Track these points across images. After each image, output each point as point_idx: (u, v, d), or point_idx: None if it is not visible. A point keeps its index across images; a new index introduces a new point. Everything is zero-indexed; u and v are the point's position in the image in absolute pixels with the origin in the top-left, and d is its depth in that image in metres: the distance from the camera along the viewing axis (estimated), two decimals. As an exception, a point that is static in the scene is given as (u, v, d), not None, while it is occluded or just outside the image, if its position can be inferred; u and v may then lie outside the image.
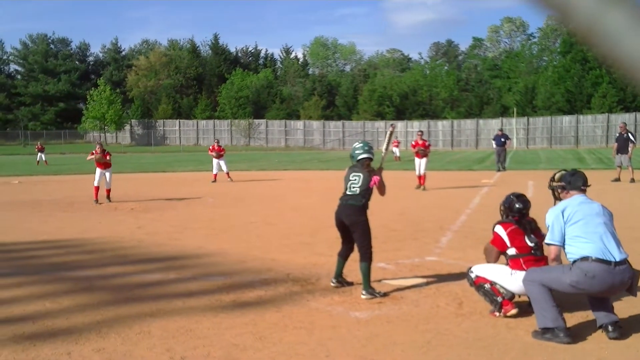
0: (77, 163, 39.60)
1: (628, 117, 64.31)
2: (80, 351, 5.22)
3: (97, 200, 17.37)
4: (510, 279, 6.08)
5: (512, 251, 6.17)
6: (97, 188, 17.64)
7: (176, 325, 5.92)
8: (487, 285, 6.12)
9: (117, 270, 8.49)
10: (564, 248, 5.64)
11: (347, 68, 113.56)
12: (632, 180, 21.47)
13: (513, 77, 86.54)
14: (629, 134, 22.33)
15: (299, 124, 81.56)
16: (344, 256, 7.35)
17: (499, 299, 6.05)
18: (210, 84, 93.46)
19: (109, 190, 17.77)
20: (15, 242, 11.08)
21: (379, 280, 7.59)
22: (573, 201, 5.75)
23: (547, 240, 5.72)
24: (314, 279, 7.81)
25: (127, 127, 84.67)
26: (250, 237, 11.29)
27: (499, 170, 28.36)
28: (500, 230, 6.27)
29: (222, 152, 24.98)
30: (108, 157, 17.95)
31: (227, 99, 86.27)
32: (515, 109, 69.61)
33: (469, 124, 73.23)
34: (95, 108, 78.61)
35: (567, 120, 68.32)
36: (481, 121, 72.50)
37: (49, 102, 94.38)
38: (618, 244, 5.53)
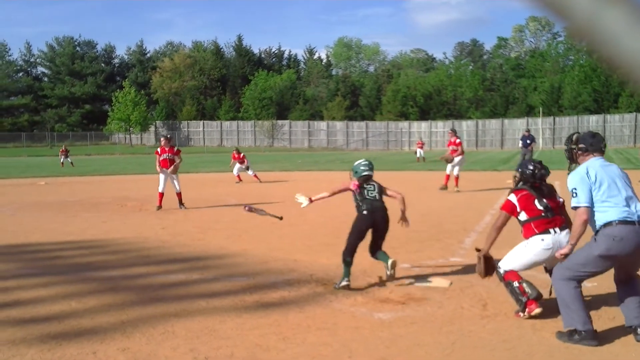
0: (102, 164, 40.03)
1: (656, 117, 63.52)
2: (105, 350, 5.26)
3: (159, 207, 15.73)
4: (526, 251, 6.06)
5: (523, 216, 6.15)
6: (162, 195, 15.88)
7: (200, 325, 5.94)
8: (515, 284, 6.05)
9: (142, 270, 8.54)
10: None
11: (371, 68, 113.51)
12: None
13: (539, 77, 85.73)
14: None
15: (323, 124, 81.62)
16: (352, 258, 7.68)
17: (524, 298, 5.98)
18: (234, 85, 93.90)
19: (179, 195, 16.07)
20: (41, 242, 11.21)
21: (402, 279, 7.54)
22: (594, 163, 5.55)
23: (574, 204, 5.44)
24: (337, 280, 7.78)
25: (152, 129, 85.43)
26: (273, 238, 11.30)
27: None
28: (512, 197, 6.27)
29: (243, 160, 25.14)
30: (176, 154, 15.97)
31: (250, 99, 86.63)
32: (541, 109, 68.95)
33: (493, 123, 72.76)
34: (121, 110, 79.42)
35: (594, 119, 67.54)
36: (506, 121, 72.03)
37: (75, 104, 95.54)
38: (637, 203, 5.45)
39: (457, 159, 19.92)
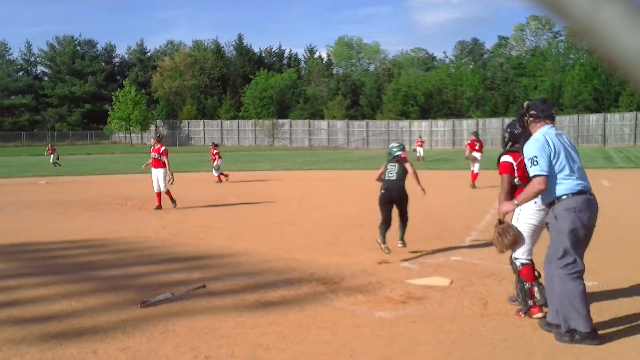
0: (103, 164, 40.04)
1: (657, 115, 63.48)
2: (105, 350, 5.26)
3: (159, 206, 15.67)
4: (523, 221, 6.07)
5: (516, 181, 6.21)
6: (159, 194, 15.81)
7: (200, 324, 5.94)
8: (527, 284, 6.03)
9: (142, 269, 8.55)
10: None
11: (371, 67, 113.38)
12: None
13: (539, 76, 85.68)
14: None
15: (323, 123, 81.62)
16: (388, 226, 9.28)
17: (531, 302, 5.99)
18: (234, 84, 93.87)
19: (167, 193, 15.85)
20: (41, 241, 11.22)
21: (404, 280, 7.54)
22: (550, 132, 5.58)
23: (534, 172, 5.40)
24: (337, 279, 7.79)
25: (152, 128, 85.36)
26: (274, 237, 11.31)
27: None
28: (509, 158, 6.30)
29: (215, 158, 25.08)
30: (162, 154, 15.81)
31: (251, 99, 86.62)
32: (541, 108, 68.76)
33: (494, 122, 72.72)
34: (121, 109, 79.42)
35: (594, 118, 67.52)
36: (507, 120, 71.90)
37: (75, 104, 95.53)
38: (584, 172, 5.58)
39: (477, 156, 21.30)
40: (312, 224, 12.99)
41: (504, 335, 5.55)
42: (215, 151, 25.21)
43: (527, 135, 6.21)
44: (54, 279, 7.97)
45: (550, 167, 5.40)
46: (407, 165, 9.41)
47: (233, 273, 8.27)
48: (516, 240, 6.06)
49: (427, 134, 71.16)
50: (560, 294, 5.39)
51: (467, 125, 73.75)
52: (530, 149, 5.48)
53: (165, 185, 15.76)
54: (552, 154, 5.41)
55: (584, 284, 5.39)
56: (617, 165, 33.00)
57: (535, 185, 5.42)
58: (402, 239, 9.42)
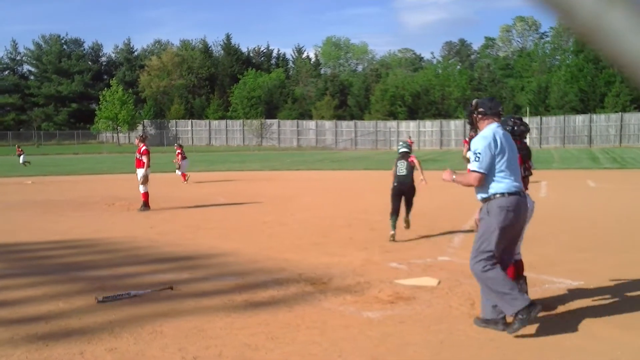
0: (90, 163, 39.82)
1: (642, 116, 63.97)
2: (92, 351, 5.23)
3: (147, 206, 15.56)
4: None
5: None
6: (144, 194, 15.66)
7: (189, 325, 5.93)
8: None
9: (130, 270, 8.51)
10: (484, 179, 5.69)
11: (359, 68, 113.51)
12: None
13: (526, 76, 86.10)
14: None
15: (311, 124, 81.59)
16: (397, 216, 10.88)
17: None
18: (222, 84, 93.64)
19: (143, 195, 15.67)
20: (28, 242, 11.15)
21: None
22: (499, 131, 5.76)
23: (474, 168, 5.64)
24: (326, 279, 7.80)
25: (140, 128, 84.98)
26: (263, 237, 11.30)
27: None
28: None
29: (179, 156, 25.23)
30: (143, 154, 15.67)
31: (239, 99, 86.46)
32: (528, 108, 69.21)
33: (481, 123, 72.87)
34: (108, 108, 79.02)
35: (580, 119, 67.93)
36: (494, 120, 72.20)
37: (62, 103, 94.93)
38: (520, 175, 5.86)
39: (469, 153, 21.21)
40: (300, 224, 12.99)
41: (491, 335, 5.58)
42: (178, 151, 25.38)
43: (522, 132, 6.27)
44: (40, 279, 7.92)
45: (491, 166, 5.61)
46: (412, 159, 11.16)
47: (222, 273, 8.26)
48: None
49: (414, 134, 71.27)
50: (488, 288, 5.60)
51: (454, 125, 73.96)
52: (478, 144, 5.69)
53: (141, 185, 15.56)
54: (497, 153, 5.61)
55: (502, 271, 5.61)
56: (602, 166, 33.21)
57: (471, 179, 5.71)
58: (407, 220, 11.36)
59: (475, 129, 6.06)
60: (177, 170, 25.54)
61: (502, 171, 5.62)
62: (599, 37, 0.82)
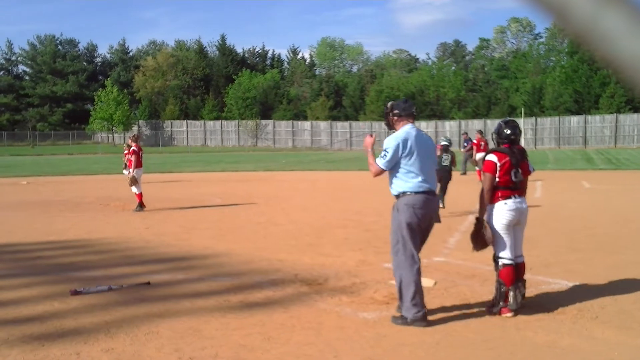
0: (85, 164, 39.72)
1: (637, 118, 64.16)
2: (88, 351, 5.22)
3: (141, 206, 15.46)
4: (498, 222, 6.28)
5: (495, 181, 6.34)
6: (139, 194, 15.60)
7: (184, 325, 5.92)
8: (503, 288, 6.14)
9: (125, 270, 8.50)
10: (390, 176, 6.10)
11: (354, 69, 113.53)
12: None
13: (521, 77, 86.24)
14: None
15: (306, 124, 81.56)
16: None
17: (502, 304, 6.16)
18: (217, 84, 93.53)
19: (138, 195, 15.61)
20: (23, 242, 11.12)
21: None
22: (412, 132, 6.06)
23: (379, 163, 6.02)
24: (321, 280, 7.80)
25: (135, 128, 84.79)
26: (258, 238, 11.29)
27: (463, 173, 27.17)
28: (494, 158, 6.38)
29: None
30: (130, 153, 15.89)
31: (234, 99, 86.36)
32: (522, 109, 69.36)
33: (476, 124, 72.96)
34: (103, 109, 78.87)
35: (575, 120, 68.07)
36: (489, 121, 72.32)
37: (56, 103, 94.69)
38: (434, 176, 6.21)
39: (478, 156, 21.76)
40: (295, 224, 12.99)
41: (486, 336, 5.59)
42: (126, 151, 25.54)
43: (512, 133, 6.34)
44: (36, 279, 7.91)
45: (395, 165, 5.99)
46: (453, 154, 15.02)
47: (217, 274, 8.25)
48: (488, 242, 6.34)
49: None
50: (401, 282, 5.95)
51: (449, 126, 74.05)
52: (389, 142, 6.04)
53: (132, 187, 15.55)
54: (405, 154, 5.95)
55: (418, 274, 5.92)
56: (597, 166, 33.31)
57: (372, 168, 6.15)
58: (443, 202, 14.03)
59: (393, 129, 6.31)
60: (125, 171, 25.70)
61: (410, 171, 5.96)
62: (594, 38, 0.82)
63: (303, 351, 5.23)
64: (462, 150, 29.25)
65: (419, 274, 5.93)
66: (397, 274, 5.99)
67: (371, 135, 6.40)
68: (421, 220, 5.98)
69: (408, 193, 5.96)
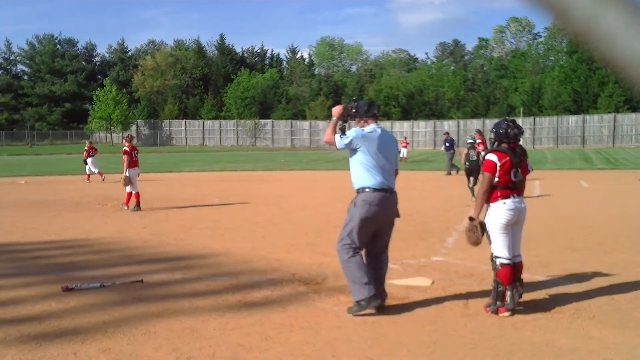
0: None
1: (635, 117, 64.19)
2: (86, 351, 5.22)
3: (137, 206, 15.51)
4: (496, 222, 6.28)
5: (494, 180, 6.35)
6: (136, 194, 15.63)
7: (182, 325, 5.92)
8: (501, 287, 6.14)
9: (123, 270, 8.49)
10: (352, 170, 6.36)
11: (353, 68, 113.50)
12: None
13: (519, 77, 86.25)
14: None
15: (305, 124, 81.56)
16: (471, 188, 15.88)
17: (500, 304, 6.16)
18: (216, 84, 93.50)
19: (135, 195, 15.65)
20: (21, 242, 11.11)
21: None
22: (375, 131, 6.33)
23: (337, 140, 6.25)
24: (320, 279, 7.80)
25: (134, 128, 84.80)
26: (256, 237, 11.29)
27: (447, 174, 27.22)
28: (494, 158, 6.38)
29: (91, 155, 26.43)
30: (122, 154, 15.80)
31: (233, 99, 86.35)
32: (521, 109, 69.41)
33: (475, 123, 73.01)
34: (102, 108, 78.86)
35: (573, 120, 68.12)
36: (487, 121, 72.34)
37: (55, 103, 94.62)
38: (393, 174, 6.41)
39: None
40: (294, 224, 12.99)
41: (485, 335, 5.59)
42: (85, 149, 26.29)
43: (516, 134, 6.35)
44: (33, 279, 7.90)
45: (350, 147, 6.25)
46: (478, 150, 17.13)
47: (215, 273, 8.25)
48: (479, 240, 6.40)
49: (408, 134, 71.32)
50: (344, 271, 6.25)
51: (448, 126, 74.04)
52: (353, 130, 6.31)
53: (126, 187, 15.54)
54: (366, 148, 6.20)
55: (361, 259, 6.22)
56: (596, 166, 33.33)
57: (326, 138, 6.41)
58: (474, 195, 15.48)
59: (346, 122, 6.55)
60: (92, 169, 26.35)
61: (371, 168, 6.19)
62: (594, 38, 0.82)
63: (301, 351, 5.23)
64: (443, 150, 29.31)
65: (360, 263, 6.18)
66: (344, 266, 6.25)
67: (340, 108, 6.57)
68: (377, 217, 6.20)
69: (367, 189, 6.20)
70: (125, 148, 15.68)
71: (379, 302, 6.13)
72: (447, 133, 30.71)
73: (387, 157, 6.30)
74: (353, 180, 6.38)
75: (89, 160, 26.37)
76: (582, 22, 0.81)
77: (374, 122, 6.43)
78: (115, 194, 19.30)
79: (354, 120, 6.48)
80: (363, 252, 6.38)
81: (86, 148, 26.88)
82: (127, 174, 15.38)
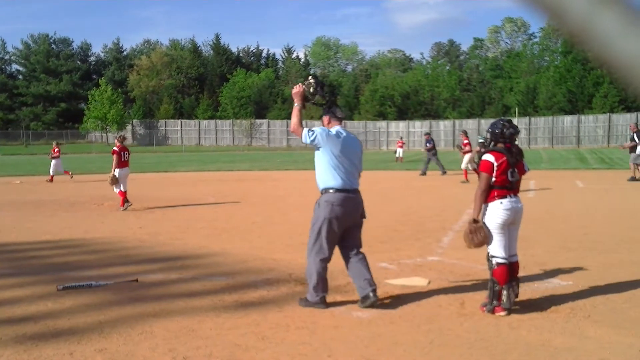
0: (79, 163, 39.59)
1: (629, 117, 64.33)
2: (82, 351, 5.22)
3: (126, 204, 15.65)
4: (493, 222, 6.30)
5: (491, 180, 6.37)
6: (122, 193, 15.79)
7: (179, 325, 5.92)
8: (497, 286, 6.16)
9: (119, 270, 8.48)
10: (317, 166, 6.56)
11: (349, 68, 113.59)
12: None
13: (515, 77, 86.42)
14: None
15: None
16: None
17: (496, 303, 6.16)
18: (212, 84, 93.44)
19: (120, 193, 15.86)
20: (17, 242, 11.09)
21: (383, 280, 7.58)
22: (340, 133, 6.53)
23: (303, 134, 6.40)
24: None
25: (129, 127, 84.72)
26: (253, 237, 11.29)
27: (422, 174, 27.29)
28: (491, 158, 6.39)
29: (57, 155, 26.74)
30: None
31: (228, 98, 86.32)
32: (516, 109, 69.55)
33: (470, 123, 73.17)
34: (97, 108, 78.69)
35: (568, 120, 68.31)
36: (483, 121, 72.53)
37: (50, 102, 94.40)
38: (357, 175, 6.56)
39: (466, 156, 23.11)
40: (290, 224, 12.99)
41: (481, 334, 5.60)
42: (56, 149, 26.49)
43: (512, 134, 6.37)
44: (29, 279, 7.89)
45: (315, 142, 6.39)
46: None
47: (211, 273, 8.25)
48: (485, 241, 6.31)
49: (404, 134, 71.41)
50: (307, 270, 6.52)
51: (444, 126, 74.22)
52: (319, 128, 6.50)
53: (115, 185, 15.68)
54: (331, 148, 6.36)
55: (325, 266, 6.45)
56: (591, 166, 33.40)
57: (292, 127, 6.59)
58: None
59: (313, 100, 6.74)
60: (55, 169, 26.68)
61: (335, 168, 6.37)
62: (589, 38, 0.82)
63: (297, 350, 5.24)
64: (424, 150, 29.71)
65: (324, 267, 6.43)
66: (308, 262, 6.51)
67: (300, 88, 6.77)
68: (341, 217, 6.37)
69: (331, 190, 6.40)
70: (115, 148, 15.83)
71: (323, 307, 6.39)
72: (428, 133, 31.08)
73: (351, 159, 6.47)
74: (317, 180, 6.57)
75: (54, 161, 26.54)
76: (578, 22, 0.82)
77: (338, 124, 6.67)
78: (112, 194, 19.23)
79: (312, 102, 6.77)
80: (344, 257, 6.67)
81: (55, 148, 27.10)
82: (115, 174, 15.45)
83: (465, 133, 24.33)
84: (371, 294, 6.38)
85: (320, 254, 6.41)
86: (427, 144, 28.16)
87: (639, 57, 0.80)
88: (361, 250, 6.68)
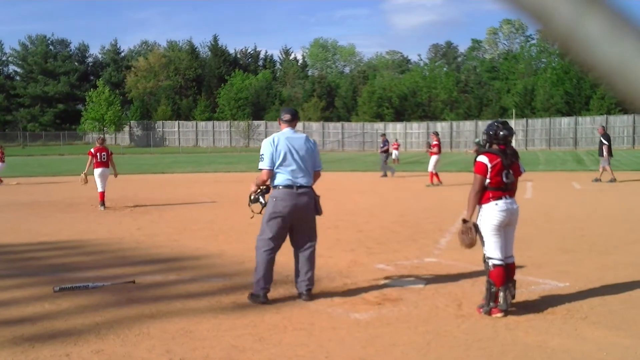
0: (76, 164, 39.54)
1: (627, 119, 64.48)
2: (79, 352, 5.21)
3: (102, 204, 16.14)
4: (488, 223, 6.32)
5: (486, 182, 6.38)
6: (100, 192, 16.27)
7: (176, 326, 5.91)
8: (493, 288, 6.16)
9: (117, 271, 8.47)
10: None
11: (347, 69, 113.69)
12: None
13: (512, 79, 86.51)
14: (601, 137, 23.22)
15: (299, 125, 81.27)
16: None
17: (493, 305, 6.16)
18: (209, 85, 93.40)
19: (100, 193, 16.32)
20: (14, 243, 11.07)
21: (381, 281, 7.57)
22: (282, 135, 6.91)
23: (260, 167, 6.84)
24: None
25: (126, 129, 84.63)
26: (250, 238, 11.23)
27: (383, 175, 27.43)
28: (485, 159, 6.40)
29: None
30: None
31: (226, 100, 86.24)
32: (514, 111, 69.63)
33: (467, 125, 73.28)
34: (95, 109, 78.53)
35: (565, 121, 68.35)
36: (480, 122, 72.58)
37: (48, 104, 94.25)
38: (305, 173, 6.84)
39: (433, 158, 22.92)
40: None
41: (478, 336, 5.61)
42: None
43: (505, 136, 6.38)
44: (26, 281, 7.88)
45: (272, 163, 6.75)
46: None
47: (208, 274, 8.24)
48: (474, 242, 6.35)
49: (401, 136, 71.47)
50: (256, 264, 6.82)
51: (441, 127, 74.15)
52: (262, 147, 6.87)
53: (100, 185, 16.17)
54: (275, 152, 6.74)
55: (271, 258, 6.82)
56: (588, 167, 33.42)
57: (261, 175, 6.89)
58: None
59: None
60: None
61: (280, 167, 6.74)
62: (575, 44, 0.82)
63: (295, 352, 5.24)
64: (379, 151, 30.12)
65: (269, 260, 6.79)
66: (255, 255, 6.88)
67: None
68: (285, 212, 6.71)
69: (277, 187, 6.79)
70: (91, 149, 16.38)
71: (263, 301, 6.68)
72: (384, 134, 31.63)
73: (299, 157, 6.79)
74: (270, 181, 6.96)
75: None
76: (563, 28, 0.82)
77: (287, 126, 7.04)
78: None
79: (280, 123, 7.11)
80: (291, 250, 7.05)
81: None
82: (93, 174, 16.04)
83: (436, 134, 24.46)
84: (304, 293, 6.82)
85: (266, 247, 6.77)
86: (382, 145, 28.59)
87: (625, 61, 0.80)
88: (312, 244, 7.00)
